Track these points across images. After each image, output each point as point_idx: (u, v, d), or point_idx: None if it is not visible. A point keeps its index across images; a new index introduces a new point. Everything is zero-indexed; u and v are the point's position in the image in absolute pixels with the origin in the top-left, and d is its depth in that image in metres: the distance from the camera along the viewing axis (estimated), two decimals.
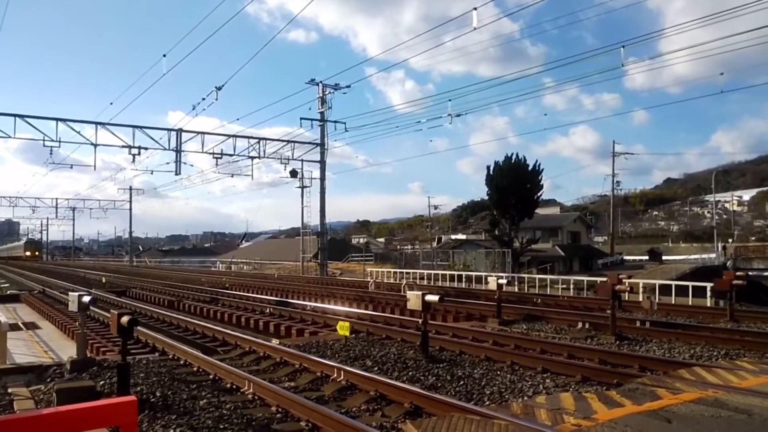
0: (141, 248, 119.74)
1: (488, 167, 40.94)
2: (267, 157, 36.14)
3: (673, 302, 16.90)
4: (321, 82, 37.20)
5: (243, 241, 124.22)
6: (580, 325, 12.18)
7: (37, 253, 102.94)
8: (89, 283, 31.57)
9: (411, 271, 34.48)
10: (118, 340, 9.82)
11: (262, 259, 65.95)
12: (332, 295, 20.72)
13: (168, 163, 34.18)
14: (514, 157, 40.71)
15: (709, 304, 16.33)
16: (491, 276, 17.15)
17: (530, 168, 40.66)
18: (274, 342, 10.31)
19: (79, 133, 30.01)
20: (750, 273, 27.99)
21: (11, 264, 73.53)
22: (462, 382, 7.22)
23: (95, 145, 30.34)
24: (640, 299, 16.11)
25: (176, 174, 33.28)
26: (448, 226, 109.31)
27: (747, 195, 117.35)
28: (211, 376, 7.79)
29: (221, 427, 5.59)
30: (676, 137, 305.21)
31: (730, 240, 65.44)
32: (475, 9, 19.63)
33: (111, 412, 2.44)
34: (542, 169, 40.90)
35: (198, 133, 33.12)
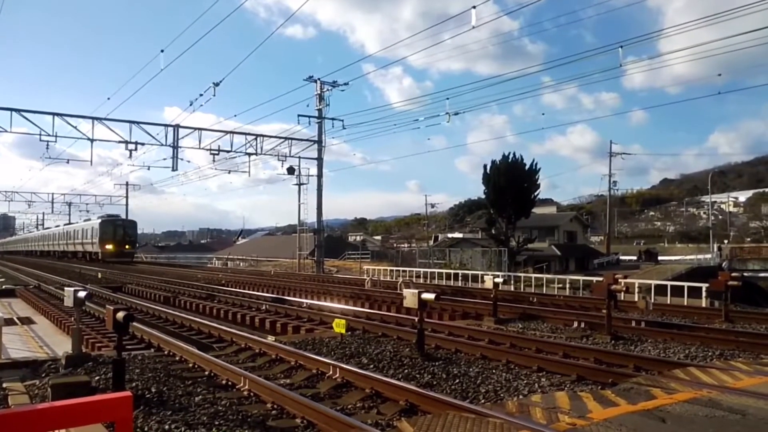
0: (137, 244, 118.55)
1: (485, 166, 41.09)
2: (264, 154, 36.25)
3: (668, 302, 16.94)
4: (319, 79, 37.20)
5: (239, 238, 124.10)
6: (575, 324, 12.21)
7: (127, 246, 51.54)
8: (85, 278, 31.49)
9: (407, 269, 34.49)
10: (113, 335, 9.78)
11: (259, 256, 65.87)
12: (328, 293, 20.70)
13: (165, 159, 34.33)
14: (511, 156, 40.83)
15: (704, 305, 16.37)
16: (487, 275, 17.14)
17: (527, 167, 40.78)
18: (270, 339, 10.31)
19: (75, 128, 30.00)
20: (745, 274, 28.16)
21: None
22: (457, 381, 7.23)
23: (92, 140, 30.37)
24: (636, 299, 16.17)
25: (173, 170, 33.41)
26: (445, 225, 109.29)
27: (743, 196, 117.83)
28: (206, 373, 7.78)
29: (216, 423, 5.59)
30: (674, 137, 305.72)
31: (726, 241, 65.68)
32: (474, 8, 19.65)
33: (106, 407, 2.44)
34: (539, 169, 41.17)
35: (195, 129, 33.18)
